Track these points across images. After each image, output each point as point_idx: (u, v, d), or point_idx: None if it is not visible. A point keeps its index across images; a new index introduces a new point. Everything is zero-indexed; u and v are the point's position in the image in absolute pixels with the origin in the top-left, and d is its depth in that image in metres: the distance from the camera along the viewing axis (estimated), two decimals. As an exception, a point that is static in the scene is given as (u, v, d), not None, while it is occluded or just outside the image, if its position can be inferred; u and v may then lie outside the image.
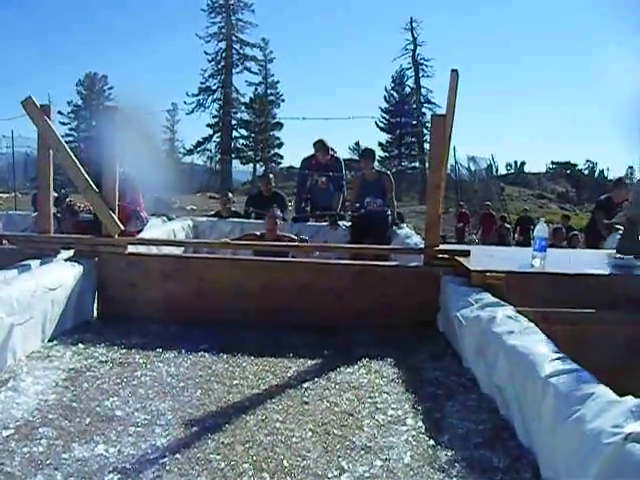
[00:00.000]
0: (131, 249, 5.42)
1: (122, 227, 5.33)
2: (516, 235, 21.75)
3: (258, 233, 7.35)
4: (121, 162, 5.53)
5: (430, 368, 4.05)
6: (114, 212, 5.26)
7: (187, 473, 2.62)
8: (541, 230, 5.02)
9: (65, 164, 5.22)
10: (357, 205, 8.52)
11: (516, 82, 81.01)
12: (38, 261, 4.91)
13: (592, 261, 5.29)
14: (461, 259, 4.99)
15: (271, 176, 10.44)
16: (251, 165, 58.15)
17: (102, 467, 2.64)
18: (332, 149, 9.66)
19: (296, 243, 7.02)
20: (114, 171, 5.29)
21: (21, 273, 4.55)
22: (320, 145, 9.43)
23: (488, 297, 4.19)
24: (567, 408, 2.43)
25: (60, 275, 4.71)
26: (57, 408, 3.25)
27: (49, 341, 4.37)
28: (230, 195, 10.85)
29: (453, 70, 5.10)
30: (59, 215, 7.01)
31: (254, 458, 2.77)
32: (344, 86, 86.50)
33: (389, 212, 8.47)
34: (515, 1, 76.89)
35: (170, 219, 8.93)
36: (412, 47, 56.97)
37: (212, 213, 10.80)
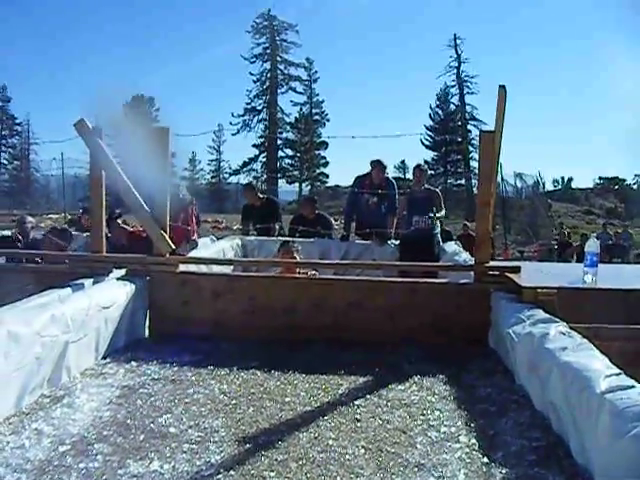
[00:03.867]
0: (182, 268, 5.49)
1: (173, 247, 5.40)
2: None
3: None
4: (180, 185, 5.62)
5: (482, 385, 4.02)
6: (165, 231, 5.33)
7: (242, 489, 2.64)
8: (592, 246, 4.97)
9: (117, 185, 5.31)
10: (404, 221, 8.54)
11: (563, 97, 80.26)
12: (91, 280, 4.99)
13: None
14: (512, 275, 4.95)
15: (314, 200, 10.45)
16: (297, 184, 58.40)
17: (157, 483, 2.68)
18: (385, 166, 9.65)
19: (348, 261, 7.07)
20: (166, 191, 5.37)
21: (75, 292, 4.63)
22: (377, 164, 9.32)
23: (540, 313, 4.16)
24: (624, 425, 2.40)
25: (113, 294, 4.79)
26: (112, 424, 3.30)
27: (102, 358, 4.45)
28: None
29: (501, 86, 5.09)
30: (109, 235, 7.14)
31: (308, 475, 2.78)
32: (389, 105, 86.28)
33: (437, 230, 8.44)
34: (563, 17, 76.31)
35: (219, 239, 9.01)
36: (456, 64, 56.86)
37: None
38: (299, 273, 5.70)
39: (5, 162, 57.72)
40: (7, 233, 8.68)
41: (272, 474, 2.78)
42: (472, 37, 77.59)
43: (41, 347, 3.64)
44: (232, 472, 2.78)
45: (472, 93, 56.80)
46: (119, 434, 3.18)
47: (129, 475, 2.74)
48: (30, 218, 8.32)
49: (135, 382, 3.99)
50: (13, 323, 3.47)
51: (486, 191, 5.23)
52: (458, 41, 56.30)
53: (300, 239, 9.13)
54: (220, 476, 2.75)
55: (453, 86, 57.61)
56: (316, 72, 58.67)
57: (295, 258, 5.88)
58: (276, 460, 2.91)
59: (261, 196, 10.01)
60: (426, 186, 9.03)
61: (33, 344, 3.57)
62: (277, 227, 9.75)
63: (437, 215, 8.44)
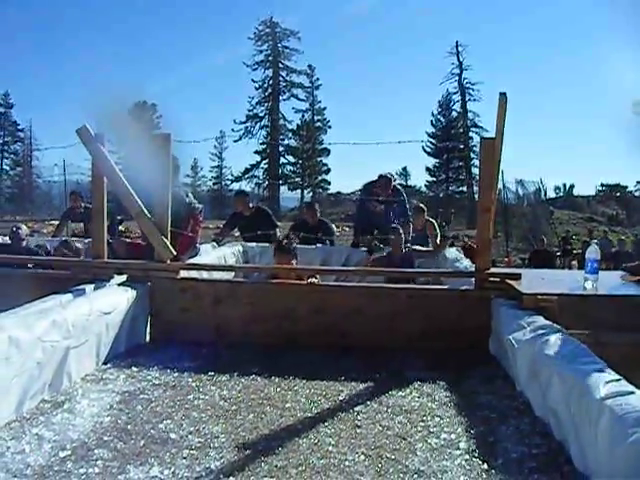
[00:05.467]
0: (183, 274, 5.49)
1: (174, 252, 5.41)
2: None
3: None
4: (188, 193, 5.62)
5: (482, 392, 4.02)
6: (166, 237, 5.34)
7: (241, 495, 2.64)
8: (593, 252, 4.97)
9: (119, 191, 5.32)
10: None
11: (561, 104, 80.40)
12: (92, 286, 5.01)
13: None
14: (512, 282, 4.96)
15: (316, 206, 10.45)
16: (299, 191, 58.44)
17: (158, 489, 2.68)
18: (393, 177, 9.70)
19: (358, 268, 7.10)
20: (166, 197, 5.38)
21: (76, 297, 4.64)
22: (384, 181, 9.32)
23: (540, 320, 4.16)
24: (624, 430, 2.40)
25: (114, 299, 4.79)
26: (112, 430, 3.30)
27: (103, 364, 4.45)
28: None
29: (502, 93, 5.11)
30: (111, 241, 7.14)
31: (307, 482, 2.78)
32: (391, 111, 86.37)
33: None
34: (563, 21, 76.45)
35: (220, 245, 9.03)
36: (458, 71, 56.92)
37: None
38: (300, 278, 5.68)
39: (7, 168, 57.78)
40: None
41: (272, 480, 2.78)
42: (475, 44, 77.29)
43: (42, 352, 3.64)
44: (232, 478, 2.78)
45: (474, 100, 56.86)
46: (119, 439, 3.18)
47: (129, 480, 2.75)
48: (24, 227, 8.31)
49: (136, 388, 3.99)
50: (14, 328, 3.47)
51: (487, 198, 5.24)
52: (460, 48, 56.37)
53: (301, 245, 9.17)
54: (220, 482, 2.75)
55: (455, 93, 57.70)
56: (318, 79, 58.78)
57: (291, 261, 5.85)
58: (276, 466, 2.91)
59: (251, 205, 9.98)
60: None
61: (34, 349, 3.57)
62: (278, 233, 9.75)
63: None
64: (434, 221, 10.20)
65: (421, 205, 10.53)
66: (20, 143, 58.12)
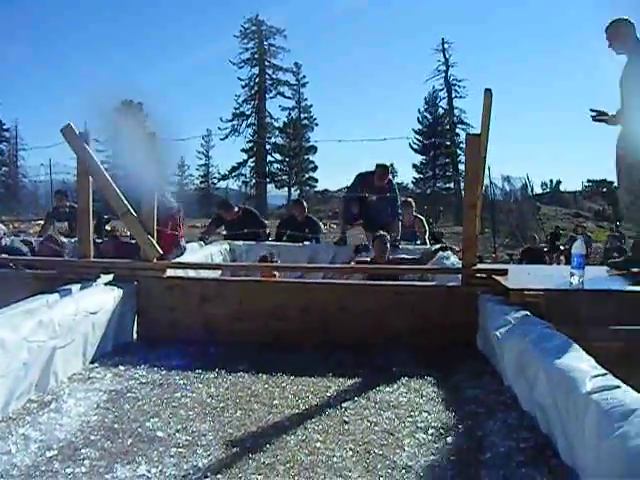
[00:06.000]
0: (170, 273, 5.48)
1: (161, 252, 5.40)
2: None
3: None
4: (166, 192, 5.60)
5: (470, 387, 4.03)
6: (152, 236, 5.32)
7: (229, 493, 2.64)
8: (579, 247, 4.99)
9: (104, 190, 5.30)
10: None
11: (550, 98, 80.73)
12: (79, 285, 4.99)
13: (630, 278, 5.25)
14: (499, 278, 4.97)
15: (304, 203, 10.42)
16: (286, 189, 58.37)
17: (145, 487, 2.68)
18: (391, 168, 9.72)
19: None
20: (152, 196, 5.37)
21: (62, 297, 4.62)
22: (381, 170, 9.26)
23: (527, 315, 4.18)
24: (610, 425, 2.41)
25: (100, 299, 4.79)
26: (99, 429, 3.29)
27: (90, 363, 4.45)
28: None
29: (487, 89, 5.13)
30: (98, 241, 7.12)
31: (295, 478, 2.79)
32: (377, 109, 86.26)
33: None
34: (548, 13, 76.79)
35: (207, 243, 9.02)
36: (444, 68, 56.94)
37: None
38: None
39: (-7, 168, 57.43)
40: None
41: (259, 477, 2.78)
42: (461, 40, 77.37)
43: (28, 353, 3.63)
44: (219, 476, 2.78)
45: (460, 97, 56.79)
46: (106, 438, 3.17)
47: (116, 479, 2.74)
48: (1, 225, 8.18)
49: (123, 386, 3.99)
50: (0, 329, 3.46)
51: (472, 194, 5.26)
52: (446, 45, 56.34)
53: (289, 243, 9.17)
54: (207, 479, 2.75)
55: (441, 90, 57.67)
56: (304, 77, 58.57)
57: (274, 275, 5.90)
58: (263, 463, 2.91)
59: (236, 209, 9.96)
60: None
61: (20, 350, 3.56)
62: (267, 232, 9.76)
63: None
64: (422, 218, 10.22)
65: (409, 199, 10.51)
66: (6, 143, 57.79)
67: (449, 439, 3.20)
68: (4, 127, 57.05)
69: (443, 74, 57.00)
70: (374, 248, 7.60)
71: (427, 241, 9.75)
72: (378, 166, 9.21)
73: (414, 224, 9.68)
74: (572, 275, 4.87)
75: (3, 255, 6.51)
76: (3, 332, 3.45)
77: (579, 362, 3.10)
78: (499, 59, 77.83)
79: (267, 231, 9.84)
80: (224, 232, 9.96)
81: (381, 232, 7.58)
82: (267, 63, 58.02)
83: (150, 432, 3.26)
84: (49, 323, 3.94)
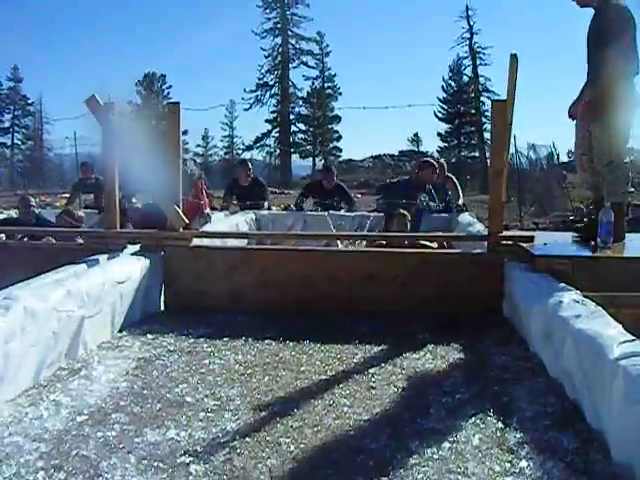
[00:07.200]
0: (196, 242, 5.51)
1: (187, 221, 5.42)
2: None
3: None
4: (187, 161, 5.61)
5: (496, 353, 4.03)
6: (178, 206, 5.34)
7: (257, 456, 2.67)
8: (607, 214, 4.95)
9: (130, 161, 5.31)
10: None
11: (576, 63, 79.47)
12: (106, 256, 5.02)
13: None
14: (525, 245, 4.95)
15: (334, 169, 10.37)
16: (310, 159, 58.20)
17: (174, 450, 2.72)
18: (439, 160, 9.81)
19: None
20: (178, 166, 5.38)
21: (90, 267, 4.66)
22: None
23: (554, 282, 4.16)
24: (638, 390, 2.40)
25: (128, 269, 4.84)
26: (128, 395, 3.34)
27: (118, 332, 4.50)
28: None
29: (512, 54, 5.05)
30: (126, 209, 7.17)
31: (323, 442, 2.81)
32: (402, 77, 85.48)
33: None
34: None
35: (233, 213, 9.04)
36: (468, 35, 56.26)
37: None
38: None
39: (19, 143, 57.73)
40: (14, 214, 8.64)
41: (287, 440, 2.80)
42: (485, 7, 76.22)
43: (57, 322, 3.69)
44: (248, 439, 2.82)
45: (485, 64, 56.04)
46: (136, 404, 3.22)
47: (146, 443, 2.78)
48: (32, 199, 8.26)
49: (151, 354, 4.04)
50: (29, 299, 3.50)
51: (499, 160, 5.21)
52: (470, 12, 55.61)
53: (313, 213, 9.15)
54: (236, 442, 2.78)
55: (466, 57, 56.99)
56: (327, 46, 58.00)
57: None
58: (291, 427, 2.94)
59: (251, 176, 10.01)
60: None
61: (50, 319, 3.62)
62: (266, 205, 9.80)
63: None
64: (454, 178, 9.95)
65: (442, 160, 10.40)
66: (31, 117, 58.04)
67: (475, 404, 3.21)
68: (28, 102, 57.28)
69: (467, 41, 56.34)
70: (395, 223, 7.52)
71: (459, 203, 9.37)
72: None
73: (445, 184, 9.43)
74: (600, 242, 4.83)
75: (34, 228, 6.59)
76: (33, 302, 3.49)
77: (607, 328, 3.08)
78: (525, 26, 76.73)
79: (266, 204, 9.88)
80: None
81: (401, 210, 7.50)
82: (290, 33, 57.62)
83: (179, 397, 3.30)
84: (77, 293, 3.99)
